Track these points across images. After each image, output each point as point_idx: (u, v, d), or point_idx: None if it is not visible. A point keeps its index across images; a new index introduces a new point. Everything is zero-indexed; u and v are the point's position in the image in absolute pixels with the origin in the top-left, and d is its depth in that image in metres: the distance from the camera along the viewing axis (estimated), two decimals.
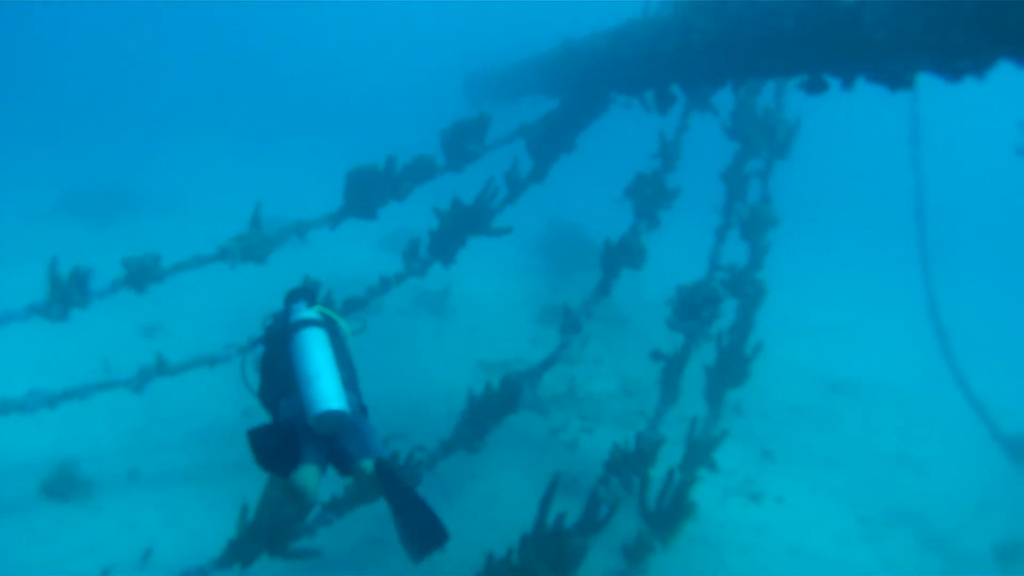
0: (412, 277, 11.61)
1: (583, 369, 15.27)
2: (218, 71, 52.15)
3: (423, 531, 5.50)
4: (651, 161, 12.06)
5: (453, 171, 12.31)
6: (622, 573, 8.24)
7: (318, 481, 5.90)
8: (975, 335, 17.85)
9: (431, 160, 12.05)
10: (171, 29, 55.49)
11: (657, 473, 9.27)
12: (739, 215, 11.94)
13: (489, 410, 9.78)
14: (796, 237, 16.28)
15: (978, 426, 12.99)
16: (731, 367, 10.60)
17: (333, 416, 5.88)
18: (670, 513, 8.81)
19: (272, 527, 7.76)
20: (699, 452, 9.84)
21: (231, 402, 11.85)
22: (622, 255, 11.25)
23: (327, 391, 5.93)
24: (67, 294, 10.02)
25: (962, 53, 5.15)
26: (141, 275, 10.31)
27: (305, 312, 6.76)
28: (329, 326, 6.71)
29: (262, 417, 6.36)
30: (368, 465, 5.95)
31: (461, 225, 11.58)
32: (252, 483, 8.35)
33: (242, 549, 7.76)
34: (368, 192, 11.46)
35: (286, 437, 5.82)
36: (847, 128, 41.41)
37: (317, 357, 6.18)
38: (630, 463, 9.27)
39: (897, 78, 5.67)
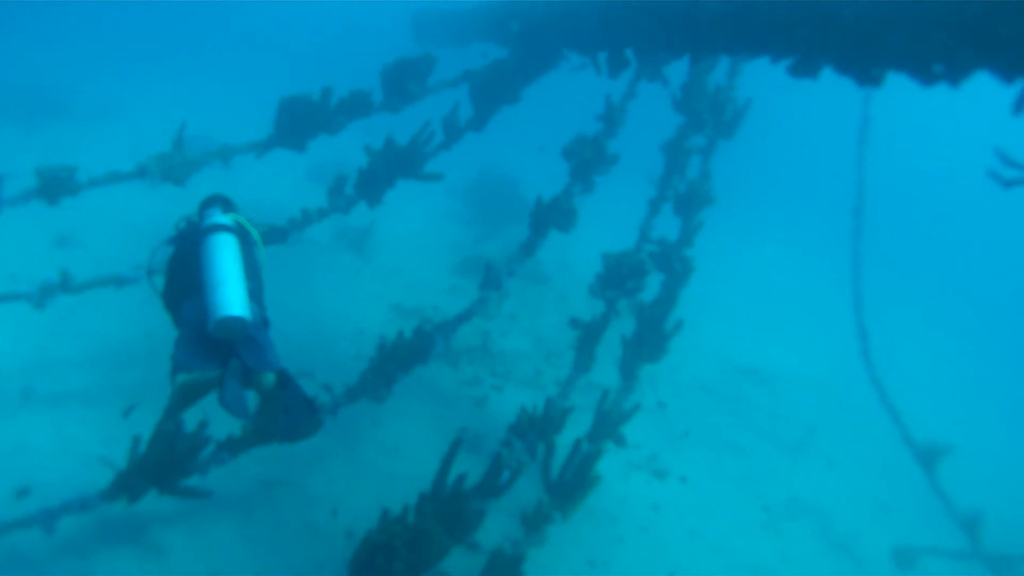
0: (335, 213, 11.28)
1: (498, 324, 15.04)
2: None
3: (300, 425, 6.24)
4: (594, 123, 11.86)
5: (390, 110, 11.95)
6: (518, 542, 8.06)
7: (209, 385, 6.01)
8: (897, 340, 18.01)
9: (368, 96, 11.65)
10: None
11: (563, 441, 9.11)
12: (675, 189, 11.79)
13: (399, 359, 9.49)
14: (729, 219, 16.21)
15: (888, 427, 13.04)
16: (649, 341, 10.46)
17: (234, 322, 5.89)
18: (573, 485, 8.64)
19: (163, 462, 7.45)
20: (608, 424, 9.69)
21: (136, 324, 11.47)
22: (552, 215, 11.03)
23: (231, 297, 5.93)
24: None
25: (939, 57, 4.99)
26: (55, 187, 9.80)
27: (219, 217, 6.67)
28: (242, 234, 6.66)
29: (166, 340, 6.23)
30: (267, 379, 6.05)
31: (392, 166, 11.25)
32: (153, 411, 7.97)
33: (130, 482, 7.44)
34: (300, 123, 11.07)
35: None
36: (797, 119, 41.43)
37: (225, 262, 6.15)
38: (536, 428, 9.08)
39: (866, 73, 5.50)
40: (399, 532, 6.81)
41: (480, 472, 8.33)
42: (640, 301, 10.72)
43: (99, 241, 14.73)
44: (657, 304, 10.82)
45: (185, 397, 6.11)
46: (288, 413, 6.08)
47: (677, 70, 11.85)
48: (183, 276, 6.40)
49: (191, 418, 7.58)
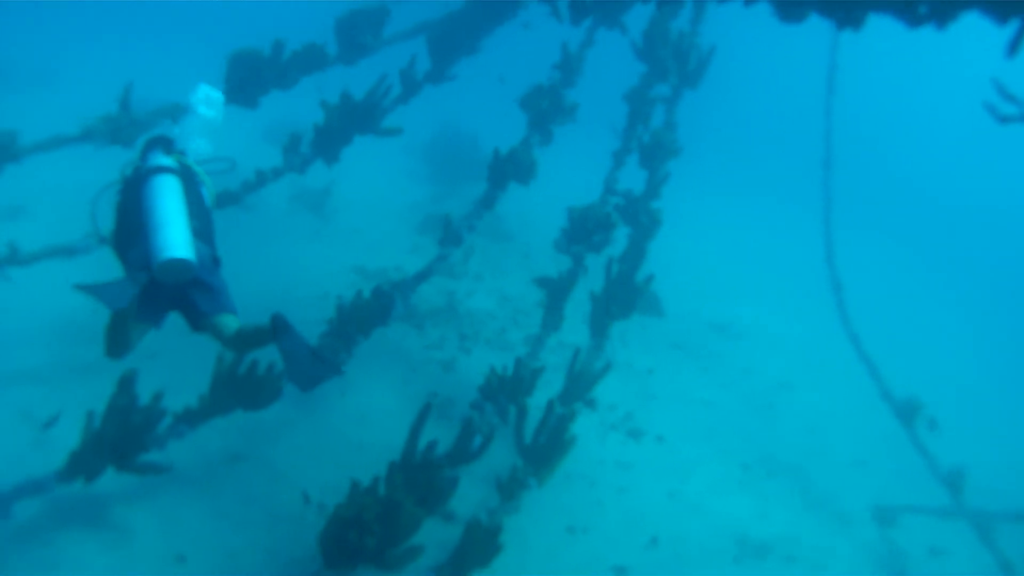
0: (291, 173, 10.90)
1: (464, 284, 14.73)
2: None
3: (317, 374, 5.91)
4: (551, 73, 11.54)
5: (345, 63, 11.58)
6: (493, 511, 7.81)
7: (141, 335, 5.90)
8: (871, 294, 17.88)
9: (322, 49, 11.31)
10: None
11: (535, 402, 8.87)
12: (640, 140, 11.51)
13: (357, 321, 9.15)
14: (695, 171, 15.93)
15: (862, 383, 12.90)
16: (618, 297, 10.20)
17: (177, 264, 5.72)
18: (547, 448, 8.39)
19: (119, 438, 7.12)
20: (580, 385, 9.47)
21: (86, 300, 11.06)
22: (510, 168, 10.72)
23: (172, 239, 5.76)
24: None
25: None
26: None
27: (159, 159, 6.51)
28: (185, 174, 6.49)
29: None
30: (231, 322, 5.98)
31: (348, 122, 10.86)
32: (106, 386, 7.63)
33: (86, 461, 7.10)
34: (251, 78, 10.66)
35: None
36: (764, 66, 41.15)
37: (166, 204, 6.00)
38: (507, 390, 8.84)
39: (846, 13, 5.19)
40: (369, 505, 6.53)
41: (451, 438, 8.12)
42: (608, 256, 10.45)
43: (48, 211, 14.23)
44: (625, 259, 10.58)
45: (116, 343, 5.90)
46: (290, 362, 5.89)
47: (639, 17, 11.57)
48: (130, 222, 6.20)
49: (145, 389, 7.28)
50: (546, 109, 10.97)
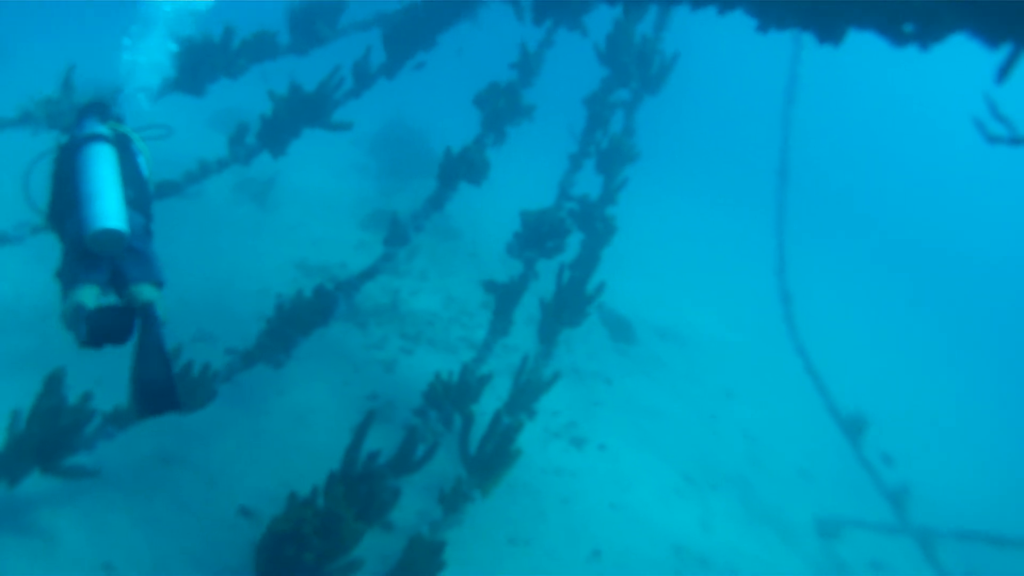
0: (236, 164, 10.53)
1: (408, 283, 14.41)
2: None
3: (156, 393, 5.52)
4: (508, 72, 11.29)
5: (297, 53, 11.22)
6: (436, 524, 7.55)
7: (97, 296, 5.67)
8: (822, 305, 17.88)
9: (273, 38, 10.94)
10: None
11: (481, 409, 8.66)
12: (597, 145, 11.30)
13: (298, 321, 8.80)
14: (652, 175, 15.78)
15: (807, 392, 12.86)
16: (569, 304, 9.99)
17: (109, 235, 5.61)
18: (492, 460, 8.14)
19: (45, 439, 6.75)
20: (527, 394, 9.24)
21: (26, 285, 10.60)
22: (462, 167, 10.44)
23: (105, 209, 5.65)
24: None
25: (913, 15, 4.53)
26: None
27: (93, 126, 6.29)
28: (120, 143, 6.32)
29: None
30: (145, 291, 5.79)
31: (298, 114, 10.48)
32: (34, 383, 7.20)
33: (9, 464, 6.72)
34: (199, 65, 10.25)
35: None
36: (726, 75, 41.17)
37: (99, 174, 5.85)
38: (452, 397, 8.59)
39: (828, 29, 5.01)
40: (308, 518, 6.24)
41: (393, 444, 7.86)
42: (560, 262, 10.22)
43: None
44: (577, 265, 10.37)
45: (75, 323, 5.60)
46: (140, 363, 5.59)
47: (601, 20, 11.36)
48: (65, 192, 6.04)
49: (74, 389, 6.93)
50: (502, 108, 10.71)
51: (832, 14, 4.89)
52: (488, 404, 9.12)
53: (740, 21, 6.42)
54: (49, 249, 6.22)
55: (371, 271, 9.79)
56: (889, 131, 47.82)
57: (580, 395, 12.70)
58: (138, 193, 6.15)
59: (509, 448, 8.19)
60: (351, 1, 11.62)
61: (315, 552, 6.14)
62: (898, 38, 4.71)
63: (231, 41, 10.41)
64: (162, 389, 5.51)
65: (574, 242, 10.57)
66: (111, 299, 5.84)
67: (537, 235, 10.16)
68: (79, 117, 6.59)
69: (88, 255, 5.69)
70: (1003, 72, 4.34)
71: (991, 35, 4.38)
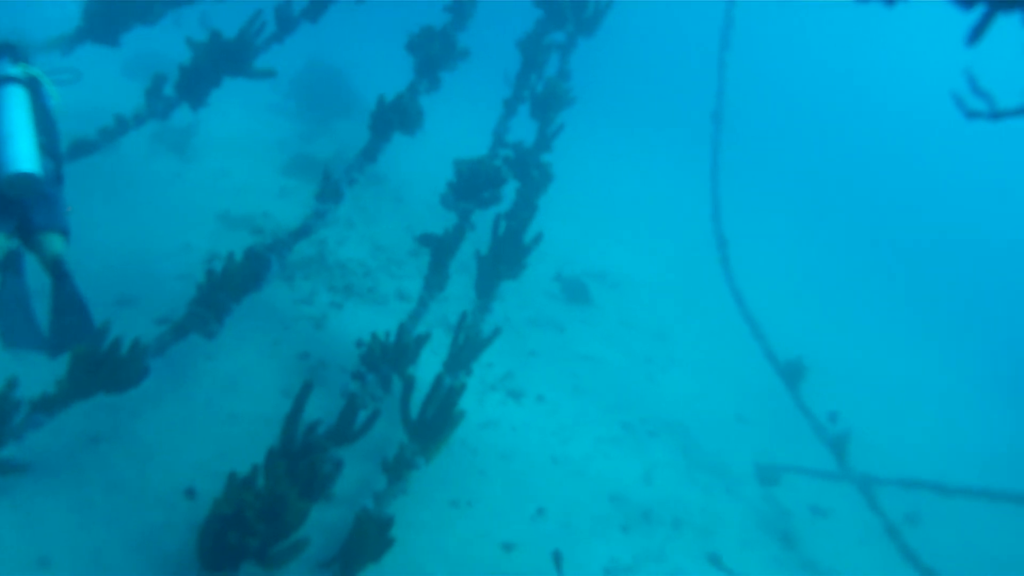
0: (154, 119, 9.99)
1: (334, 232, 13.85)
2: None
3: (73, 328, 5.91)
4: (440, 16, 10.88)
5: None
6: (380, 496, 7.25)
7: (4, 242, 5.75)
8: (757, 250, 17.79)
9: None
10: None
11: (419, 372, 8.37)
12: (532, 90, 10.97)
13: (230, 288, 8.34)
14: (586, 120, 15.50)
15: (740, 334, 12.77)
16: (507, 257, 9.71)
17: (22, 179, 5.65)
18: (435, 424, 7.89)
19: None
20: (467, 352, 8.97)
21: None
22: (395, 116, 10.06)
23: (19, 152, 5.67)
24: None
25: None
26: None
27: (7, 68, 6.28)
28: (31, 86, 6.32)
29: None
30: (52, 243, 5.90)
31: (218, 62, 9.97)
32: None
33: None
34: (113, 12, 9.65)
35: None
36: (660, 17, 40.71)
37: (12, 116, 5.85)
38: (389, 358, 8.28)
39: None
40: (250, 502, 5.91)
41: (328, 408, 7.67)
42: (496, 212, 9.92)
43: None
44: (513, 215, 10.07)
45: None
46: (58, 314, 5.87)
47: None
48: None
49: None
50: (436, 54, 10.30)
51: None
52: (425, 360, 8.82)
53: None
54: None
55: (304, 229, 9.33)
56: (828, 71, 47.94)
57: (513, 344, 12.43)
58: (49, 138, 6.12)
59: (451, 411, 7.97)
60: None
61: (260, 537, 5.83)
62: None
63: None
64: (80, 328, 5.87)
65: (509, 191, 10.27)
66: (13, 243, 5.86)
67: (472, 185, 9.84)
68: None
69: None
70: (975, 34, 4.12)
71: None
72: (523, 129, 10.74)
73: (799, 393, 11.76)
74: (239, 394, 9.21)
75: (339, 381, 9.07)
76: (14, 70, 6.23)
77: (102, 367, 6.92)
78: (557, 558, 7.93)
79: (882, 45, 47.39)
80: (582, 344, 13.59)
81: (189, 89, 9.98)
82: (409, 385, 7.97)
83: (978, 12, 4.07)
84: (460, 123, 13.29)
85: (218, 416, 8.71)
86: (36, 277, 6.31)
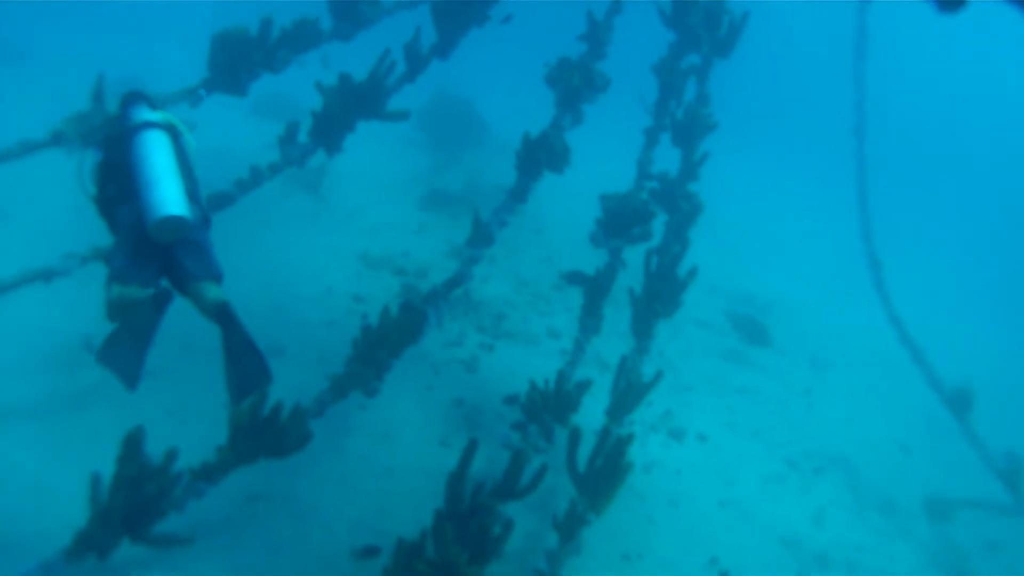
0: (290, 168, 9.89)
1: (478, 269, 13.67)
2: None
3: (251, 375, 5.63)
4: (571, 46, 10.57)
5: (341, 39, 10.48)
6: (553, 555, 6.97)
7: (143, 294, 5.60)
8: (912, 270, 17.10)
9: (315, 24, 10.18)
10: None
11: (581, 420, 8.05)
12: (672, 116, 10.59)
13: (388, 343, 8.13)
14: (725, 142, 15.05)
15: (900, 362, 12.20)
16: (661, 295, 9.32)
17: (173, 222, 5.55)
18: (604, 476, 7.55)
19: (130, 508, 6.20)
20: (630, 399, 8.61)
21: (80, 316, 10.06)
22: (542, 154, 9.75)
23: (168, 196, 5.58)
24: None
25: None
26: None
27: (148, 114, 6.19)
28: (171, 131, 6.19)
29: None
30: (210, 291, 5.76)
31: (351, 106, 9.75)
32: (102, 418, 7.54)
33: (96, 537, 6.17)
34: (237, 62, 9.55)
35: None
36: (797, 31, 39.85)
37: (159, 161, 5.77)
38: (550, 407, 7.98)
39: None
40: (422, 570, 5.69)
41: (485, 454, 7.68)
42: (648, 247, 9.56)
43: (28, 213, 13.17)
44: (664, 249, 9.69)
45: (120, 314, 5.57)
46: (233, 361, 5.61)
47: None
48: (116, 181, 5.98)
49: (156, 446, 6.38)
50: (576, 85, 9.98)
51: None
52: (584, 403, 8.52)
53: None
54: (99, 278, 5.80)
55: (458, 278, 9.10)
56: (969, 77, 46.18)
57: (669, 380, 11.97)
58: (192, 183, 6.02)
59: (620, 462, 7.59)
60: None
61: None
62: None
63: (270, 32, 9.68)
64: (258, 372, 5.62)
65: (658, 223, 9.92)
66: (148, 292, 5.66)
67: (621, 221, 9.48)
68: (124, 105, 6.43)
69: (143, 245, 5.63)
70: None
71: None
72: (666, 158, 10.39)
73: (968, 422, 11.10)
74: (395, 446, 9.03)
75: (495, 427, 8.93)
76: (155, 115, 6.21)
77: (264, 434, 6.81)
78: None
79: None
80: (737, 375, 13.15)
81: (323, 135, 9.81)
82: (575, 437, 7.64)
83: None
84: (593, 149, 12.93)
85: (374, 470, 8.54)
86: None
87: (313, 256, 12.98)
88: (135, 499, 6.17)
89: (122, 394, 6.98)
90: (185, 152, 6.26)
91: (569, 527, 7.23)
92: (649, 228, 9.53)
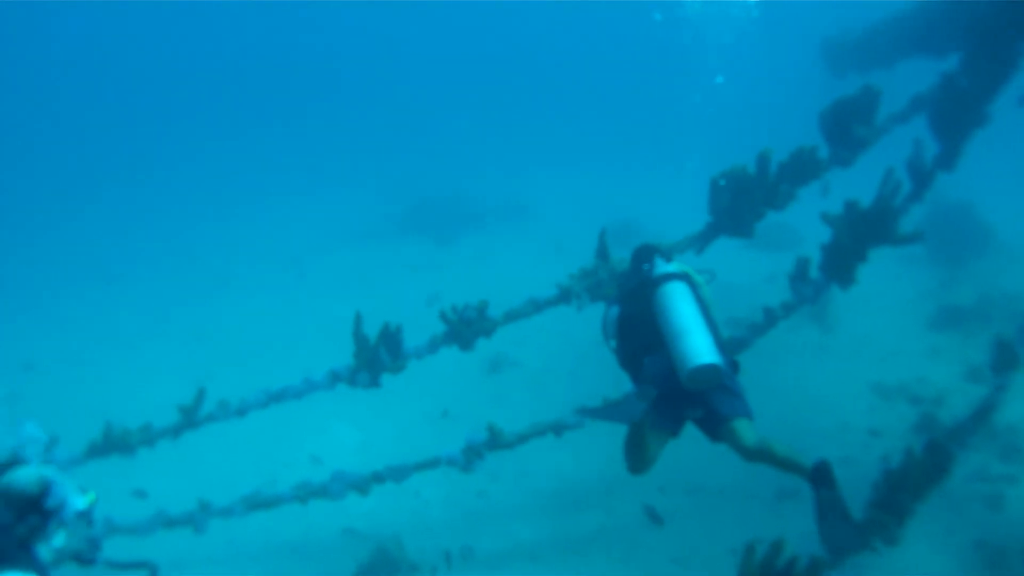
0: (804, 306, 9.58)
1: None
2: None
3: (844, 541, 5.74)
4: None
5: (841, 165, 10.03)
6: None
7: (661, 446, 5.92)
8: None
9: (812, 153, 9.68)
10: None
11: None
12: None
13: (910, 487, 7.45)
14: None
15: None
16: None
17: (708, 370, 5.70)
18: None
19: None
20: None
21: (580, 465, 10.40)
22: None
23: (700, 345, 5.76)
24: (376, 358, 8.82)
25: None
26: (462, 331, 8.92)
27: (667, 266, 6.57)
28: (689, 281, 6.45)
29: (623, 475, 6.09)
30: (743, 428, 5.82)
31: (860, 235, 9.19)
32: (601, 564, 7.64)
33: None
34: (738, 203, 9.38)
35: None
36: None
37: (686, 311, 6.01)
38: None
39: None
40: None
41: None
42: None
43: (533, 360, 13.97)
44: None
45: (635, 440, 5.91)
46: (822, 517, 5.77)
47: None
48: (639, 332, 6.32)
49: None
50: None
51: None
52: None
53: None
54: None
55: (985, 410, 8.30)
56: None
57: None
58: (714, 329, 6.15)
59: None
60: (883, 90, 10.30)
61: None
62: None
63: (768, 167, 9.45)
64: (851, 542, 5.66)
65: None
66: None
67: None
68: (638, 259, 6.93)
69: (670, 393, 5.86)
70: None
71: None
72: None
73: None
74: None
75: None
76: (675, 267, 6.51)
77: None
78: None
79: None
80: None
81: (835, 268, 9.37)
82: None
83: None
84: None
85: None
86: None
87: (824, 388, 12.56)
88: None
89: (624, 540, 7.02)
90: (704, 300, 6.39)
91: None
92: None
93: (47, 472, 3.63)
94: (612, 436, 8.45)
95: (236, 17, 57.74)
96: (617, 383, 7.88)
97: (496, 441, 8.72)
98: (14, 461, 3.64)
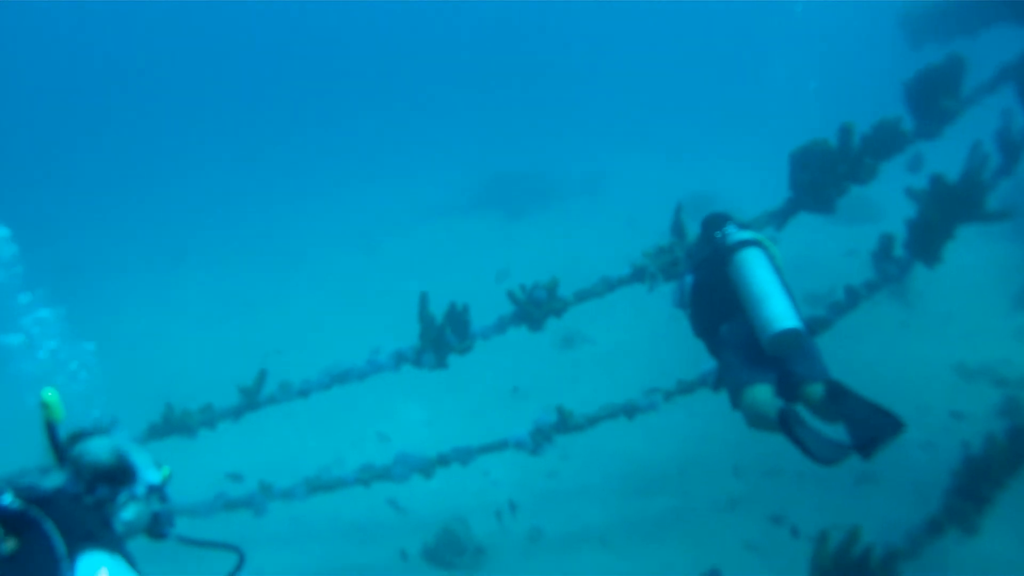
0: (889, 284, 9.25)
1: None
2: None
3: (879, 427, 5.43)
4: None
5: (926, 138, 9.62)
6: None
7: (770, 395, 5.82)
8: None
9: (896, 124, 9.21)
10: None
11: None
12: None
13: (993, 474, 7.11)
14: None
15: None
16: None
17: (789, 335, 5.73)
18: None
19: None
20: None
21: (653, 446, 10.15)
22: None
23: (780, 310, 5.79)
24: (442, 338, 8.65)
25: None
26: (532, 311, 8.72)
27: (742, 233, 6.50)
28: (764, 247, 6.38)
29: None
30: (817, 389, 5.76)
31: (948, 211, 8.81)
32: (675, 549, 7.36)
33: None
34: (822, 179, 8.98)
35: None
36: None
37: (765, 277, 6.00)
38: None
39: None
40: None
41: None
42: None
43: (606, 337, 13.73)
44: None
45: (758, 423, 5.78)
46: (853, 427, 5.51)
47: None
48: (714, 300, 6.33)
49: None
50: None
51: None
52: None
53: None
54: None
55: None
56: None
57: None
58: (791, 295, 6.07)
59: None
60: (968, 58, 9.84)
61: None
62: None
63: (850, 140, 9.00)
64: (881, 424, 5.44)
65: None
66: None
67: None
68: (709, 227, 6.80)
69: (753, 357, 5.87)
70: None
71: None
72: None
73: None
74: None
75: None
76: (749, 234, 6.44)
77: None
78: None
79: None
80: None
81: (921, 246, 9.03)
82: None
83: None
84: None
85: None
86: None
87: (905, 368, 12.14)
88: None
89: (697, 524, 6.77)
90: (778, 265, 6.32)
91: None
92: None
93: (122, 443, 3.53)
94: (686, 418, 8.23)
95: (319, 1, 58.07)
96: (695, 363, 7.69)
97: (566, 423, 8.55)
98: (90, 431, 3.51)
